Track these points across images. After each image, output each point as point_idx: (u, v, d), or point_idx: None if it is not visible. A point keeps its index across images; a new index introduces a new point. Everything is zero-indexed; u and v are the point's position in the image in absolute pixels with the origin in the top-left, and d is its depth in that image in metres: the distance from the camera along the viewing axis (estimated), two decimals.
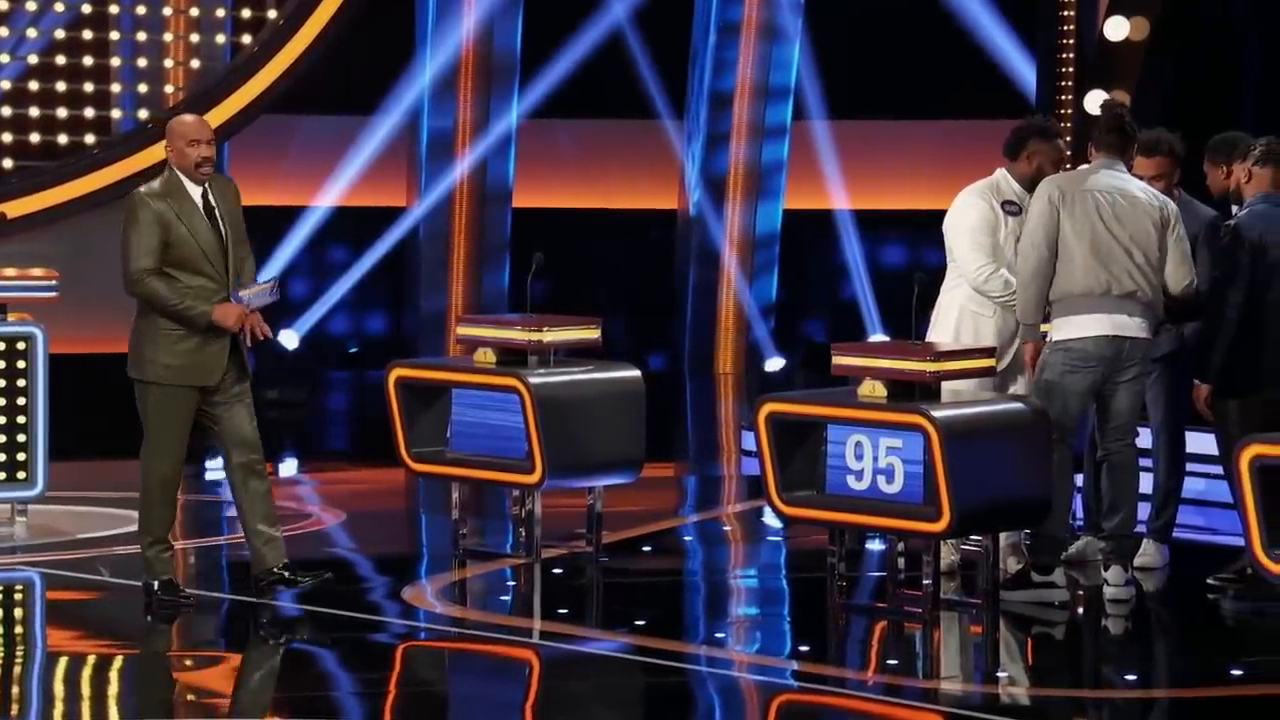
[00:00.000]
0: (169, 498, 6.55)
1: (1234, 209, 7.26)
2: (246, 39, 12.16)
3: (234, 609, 6.92)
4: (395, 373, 7.52)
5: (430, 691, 6.10)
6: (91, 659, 6.21)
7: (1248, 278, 6.92)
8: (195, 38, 12.09)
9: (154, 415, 6.49)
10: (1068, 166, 7.32)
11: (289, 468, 10.69)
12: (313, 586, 6.59)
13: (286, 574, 6.59)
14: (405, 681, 6.15)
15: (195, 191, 6.50)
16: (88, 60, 11.89)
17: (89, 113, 11.91)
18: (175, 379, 6.45)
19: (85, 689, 5.91)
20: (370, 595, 7.19)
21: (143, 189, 6.49)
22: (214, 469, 10.51)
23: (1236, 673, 6.11)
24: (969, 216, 6.97)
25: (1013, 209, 6.97)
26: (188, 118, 6.53)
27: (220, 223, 6.52)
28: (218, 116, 11.86)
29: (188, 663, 6.24)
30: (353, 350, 13.41)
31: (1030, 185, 7.00)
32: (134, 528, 6.75)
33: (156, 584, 6.58)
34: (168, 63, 12.07)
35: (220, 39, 12.18)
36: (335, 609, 6.69)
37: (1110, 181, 6.81)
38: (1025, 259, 6.76)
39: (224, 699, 5.90)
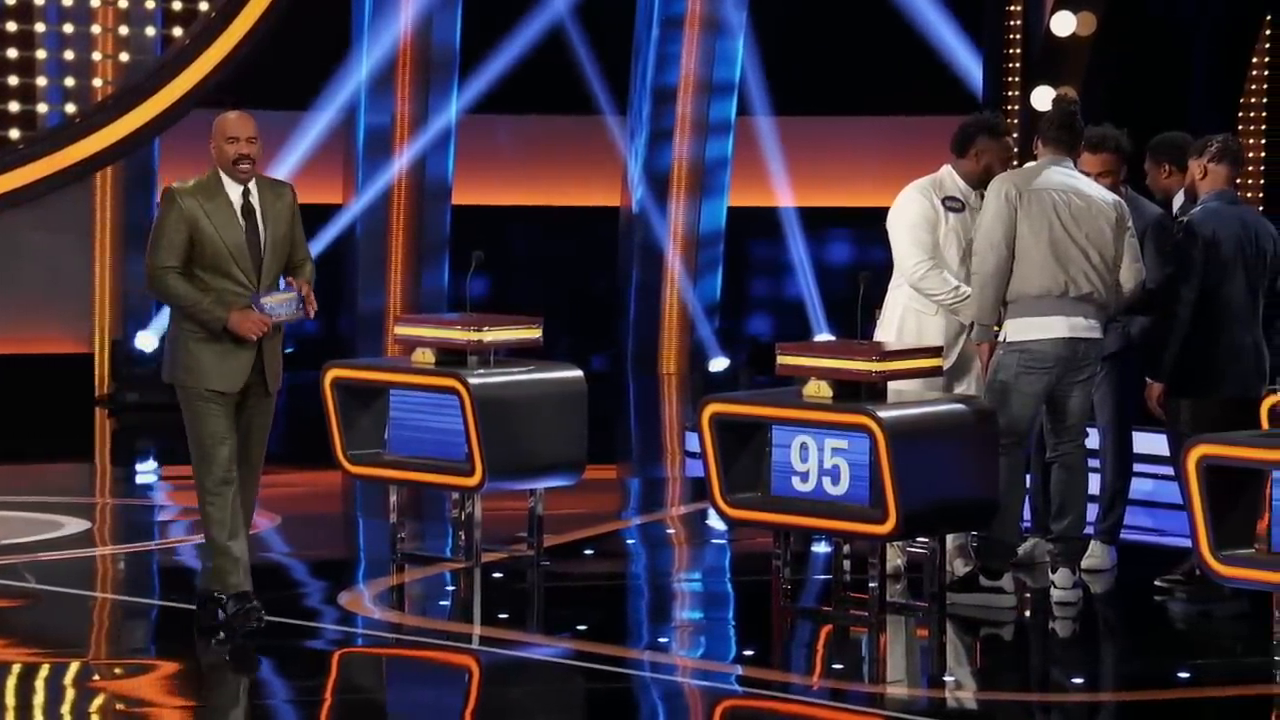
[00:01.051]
0: (223, 505, 6.31)
1: (1174, 207, 7.31)
2: (177, 32, 12.08)
3: (165, 615, 6.87)
4: (331, 373, 7.49)
5: (367, 699, 6.08)
6: (17, 668, 6.15)
7: (1200, 275, 6.96)
8: (124, 30, 12.00)
9: (189, 421, 6.35)
10: (1015, 164, 7.37)
11: None
12: (243, 624, 6.34)
13: (223, 599, 6.37)
14: (342, 689, 6.13)
15: (234, 190, 6.33)
16: (12, 53, 11.78)
17: (13, 107, 11.80)
18: (199, 382, 6.32)
19: (10, 699, 5.86)
20: (306, 601, 7.15)
21: (176, 184, 6.39)
22: (144, 473, 10.43)
23: (1184, 675, 6.16)
24: (909, 213, 6.99)
25: (955, 205, 6.99)
26: (230, 114, 6.38)
27: (259, 225, 6.33)
28: (147, 112, 11.79)
29: (117, 671, 6.19)
30: (288, 350, 13.33)
31: (977, 183, 7.04)
32: (57, 533, 6.69)
33: (226, 597, 6.36)
34: (96, 56, 11.97)
35: (150, 32, 12.09)
36: (270, 615, 6.65)
37: (1064, 180, 6.84)
38: (983, 259, 6.79)
39: (155, 708, 5.86)
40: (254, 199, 6.37)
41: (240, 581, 6.35)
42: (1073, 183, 6.85)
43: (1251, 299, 7.04)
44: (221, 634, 6.34)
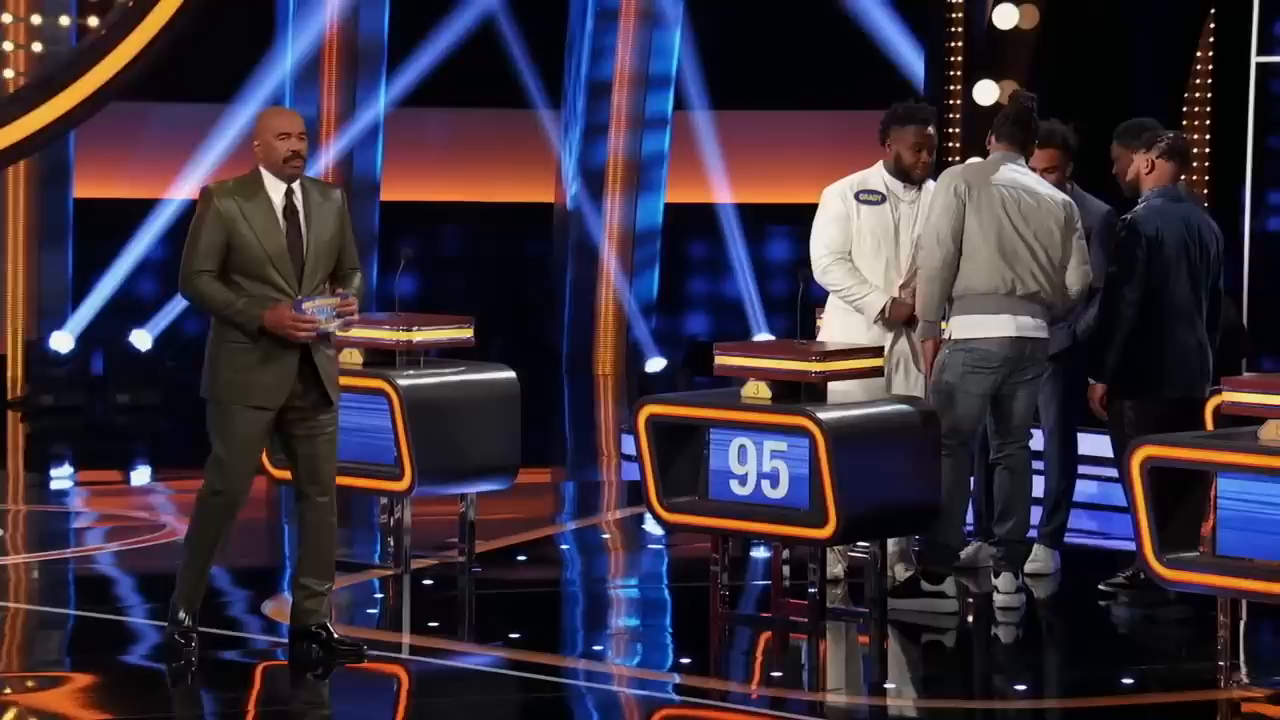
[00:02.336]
0: (223, 527, 6.12)
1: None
2: (93, 21, 11.98)
3: (80, 626, 6.82)
4: None
5: (292, 711, 6.06)
6: None
7: (1144, 274, 7.01)
8: (37, 19, 11.89)
9: (214, 434, 6.08)
10: (957, 158, 7.42)
11: (142, 476, 10.56)
12: (344, 659, 6.17)
13: (321, 634, 6.20)
14: (265, 701, 6.10)
15: (277, 190, 6.06)
16: None
17: None
18: (233, 397, 6.04)
19: None
20: (229, 610, 7.12)
21: (214, 184, 6.15)
22: (59, 478, 10.34)
23: (1128, 681, 6.22)
24: (821, 212, 7.12)
25: (871, 199, 7.04)
26: (278, 108, 6.21)
27: (302, 228, 6.05)
28: (63, 104, 11.69)
29: (29, 684, 6.14)
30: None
31: (897, 173, 7.09)
32: None
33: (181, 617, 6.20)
34: (7, 46, 11.86)
35: (64, 21, 11.98)
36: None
37: (1014, 177, 6.89)
38: (930, 254, 6.83)
39: None
40: (298, 200, 6.08)
41: (197, 600, 6.18)
42: (1023, 180, 6.90)
43: (1195, 298, 7.09)
44: (320, 670, 6.13)
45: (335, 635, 6.19)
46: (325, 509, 6.20)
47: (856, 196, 7.04)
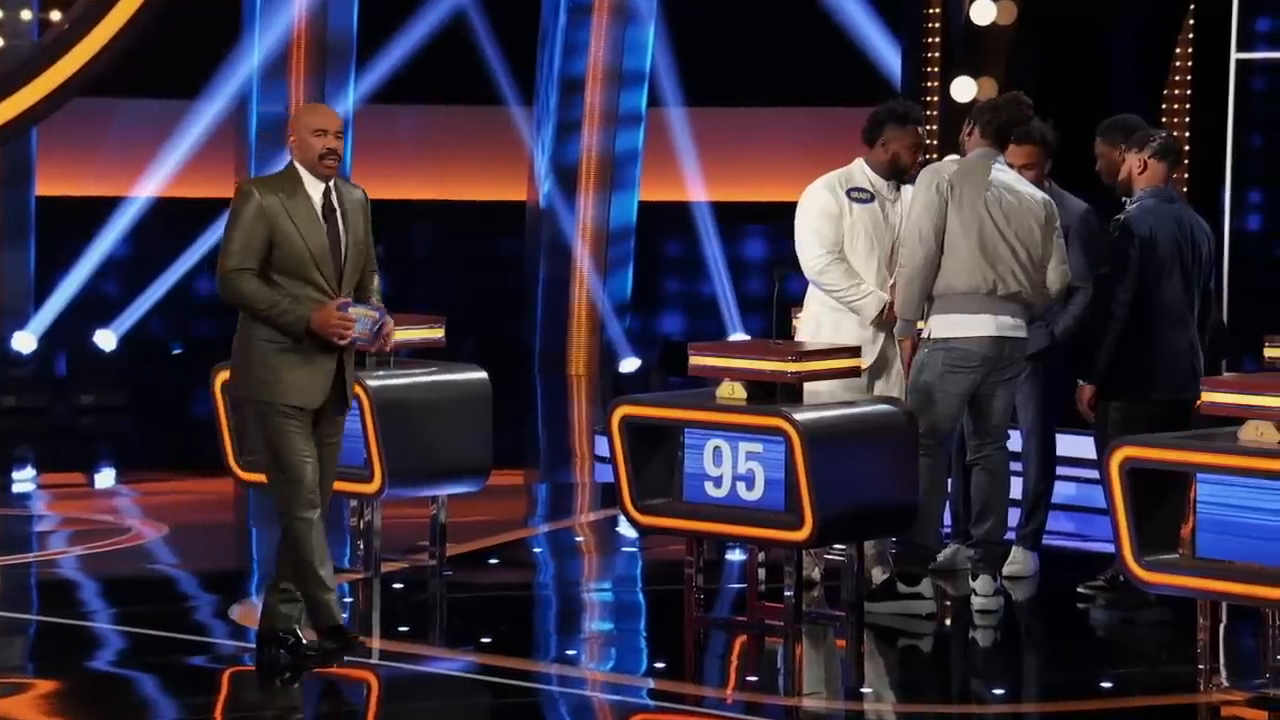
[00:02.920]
0: (315, 529, 5.97)
1: (1126, 201, 7.36)
2: (55, 15, 11.94)
3: (44, 631, 6.80)
4: (222, 375, 7.44)
5: (260, 717, 6.05)
6: None
7: (1137, 274, 7.01)
8: None
9: (267, 439, 6.00)
10: (934, 155, 7.44)
11: (106, 478, 10.53)
12: (313, 665, 6.10)
13: (289, 639, 6.11)
14: (233, 706, 6.09)
15: (315, 189, 5.99)
16: None
17: None
18: (277, 396, 5.97)
19: None
20: (196, 614, 7.10)
21: (253, 179, 6.07)
22: (20, 481, 10.31)
23: (1107, 685, 6.25)
24: (810, 207, 7.06)
25: (862, 197, 7.04)
26: (316, 105, 6.13)
27: (340, 228, 6.01)
28: (25, 99, 11.65)
29: None
30: (177, 352, 13.24)
31: (887, 173, 7.10)
32: None
33: (292, 636, 6.09)
34: None
35: (26, 15, 11.94)
36: (157, 629, 6.60)
37: (996, 175, 6.90)
38: (911, 252, 6.83)
39: None
40: (334, 198, 6.03)
41: (336, 614, 6.06)
42: (1004, 178, 6.92)
43: (1188, 299, 7.09)
44: (289, 675, 6.07)
45: (305, 641, 6.15)
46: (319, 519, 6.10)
47: (848, 194, 7.03)
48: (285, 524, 6.06)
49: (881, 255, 7.01)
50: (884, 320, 6.99)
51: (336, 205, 6.05)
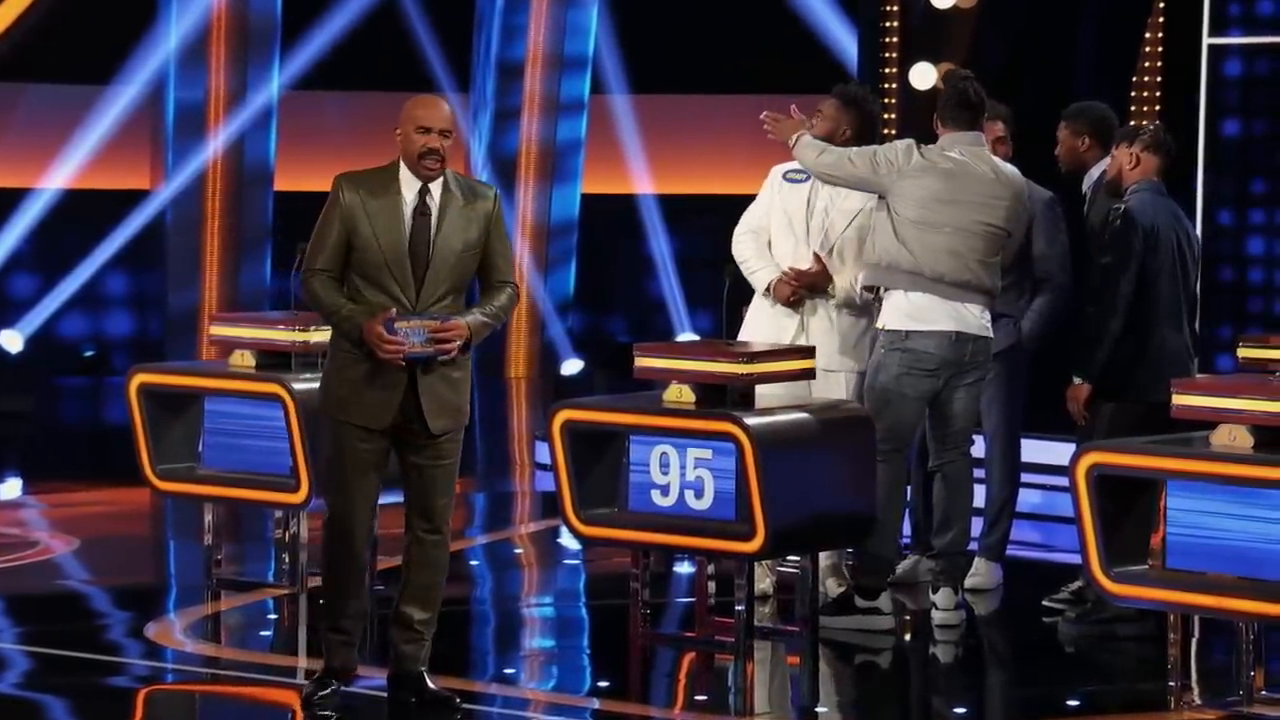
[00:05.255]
0: (342, 561, 5.85)
1: (1085, 183, 7.40)
2: None
3: None
4: (138, 379, 7.42)
5: None
6: None
7: (1140, 266, 6.98)
8: None
9: (328, 452, 5.86)
10: (887, 139, 7.48)
11: (12, 489, 10.47)
12: (446, 704, 5.96)
13: (418, 682, 5.96)
14: None
15: (411, 187, 5.76)
16: None
17: None
18: (337, 411, 5.81)
19: None
20: (108, 633, 7.08)
21: (346, 173, 5.81)
22: None
23: (1073, 702, 6.29)
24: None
25: (796, 178, 7.20)
26: (427, 97, 5.86)
27: (430, 233, 5.75)
28: None
29: None
30: (89, 354, 13.18)
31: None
32: None
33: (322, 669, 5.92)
34: None
35: None
36: (67, 649, 6.57)
37: (962, 161, 6.92)
38: (846, 160, 6.85)
39: None
40: (433, 200, 5.77)
41: (352, 661, 5.93)
42: (972, 165, 6.93)
43: (1184, 298, 7.11)
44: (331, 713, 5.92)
45: (431, 685, 5.98)
46: (434, 546, 5.99)
47: (785, 176, 7.23)
48: (328, 548, 5.91)
49: (800, 235, 7.10)
50: (773, 295, 7.09)
51: (435, 208, 5.79)
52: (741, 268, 7.20)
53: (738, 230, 7.26)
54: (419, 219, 5.78)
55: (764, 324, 7.14)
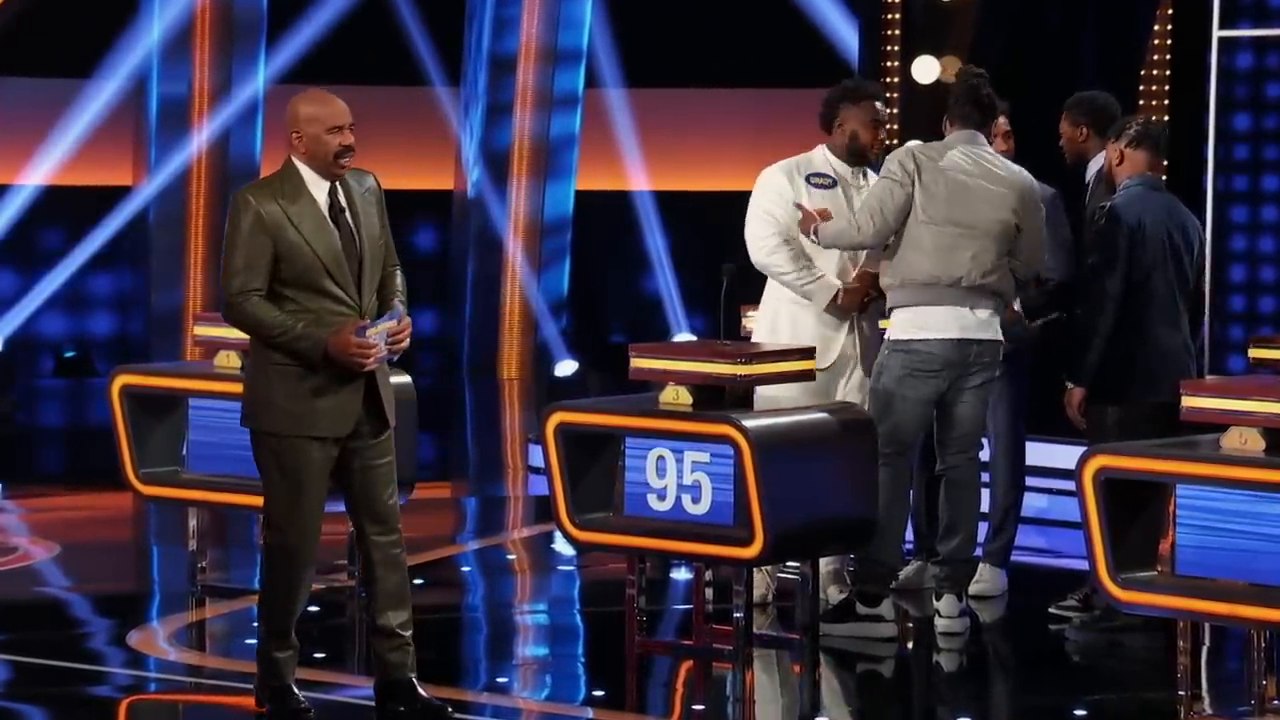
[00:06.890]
0: (294, 580, 5.79)
1: (1088, 174, 7.40)
2: None
3: None
4: (121, 380, 7.42)
5: None
6: None
7: (1127, 264, 7.00)
8: None
9: (273, 475, 5.74)
10: (894, 142, 7.49)
11: None
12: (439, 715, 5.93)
13: (407, 688, 5.94)
14: None
15: (319, 188, 5.73)
16: None
17: None
18: (294, 428, 5.70)
19: None
20: (90, 641, 7.08)
21: (249, 187, 5.71)
22: None
23: (1080, 712, 6.30)
24: (764, 191, 7.12)
25: (823, 182, 7.09)
26: (321, 94, 5.79)
27: (353, 227, 5.74)
28: None
29: None
30: (69, 355, 13.18)
31: (848, 156, 7.14)
32: None
33: (270, 691, 5.85)
34: None
35: None
36: (47, 658, 6.56)
37: (970, 160, 6.90)
38: (863, 224, 6.81)
39: None
40: (341, 196, 5.76)
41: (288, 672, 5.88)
42: (980, 164, 6.93)
43: (1181, 296, 7.12)
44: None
45: (422, 694, 5.95)
46: (392, 546, 5.94)
47: (807, 180, 7.08)
48: (263, 557, 5.90)
49: None
50: (840, 307, 7.03)
51: (345, 203, 5.78)
52: (784, 280, 7.00)
53: (765, 237, 7.01)
54: (340, 217, 5.78)
55: (806, 337, 6.96)
